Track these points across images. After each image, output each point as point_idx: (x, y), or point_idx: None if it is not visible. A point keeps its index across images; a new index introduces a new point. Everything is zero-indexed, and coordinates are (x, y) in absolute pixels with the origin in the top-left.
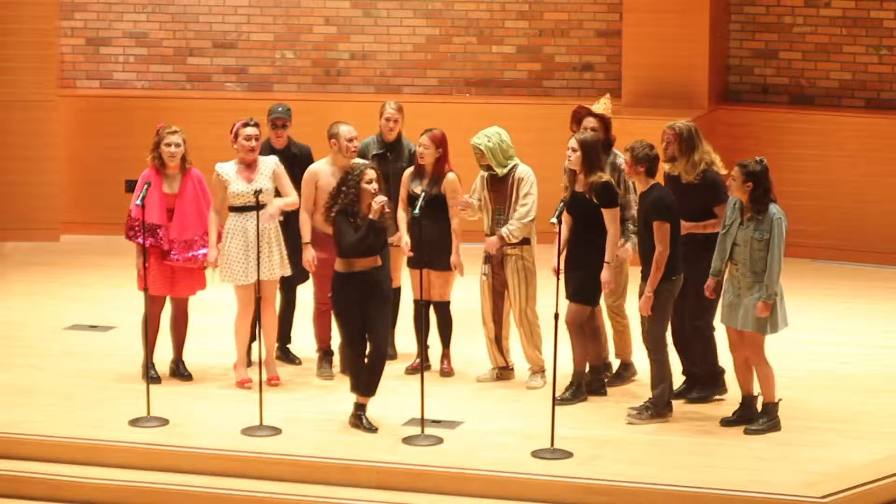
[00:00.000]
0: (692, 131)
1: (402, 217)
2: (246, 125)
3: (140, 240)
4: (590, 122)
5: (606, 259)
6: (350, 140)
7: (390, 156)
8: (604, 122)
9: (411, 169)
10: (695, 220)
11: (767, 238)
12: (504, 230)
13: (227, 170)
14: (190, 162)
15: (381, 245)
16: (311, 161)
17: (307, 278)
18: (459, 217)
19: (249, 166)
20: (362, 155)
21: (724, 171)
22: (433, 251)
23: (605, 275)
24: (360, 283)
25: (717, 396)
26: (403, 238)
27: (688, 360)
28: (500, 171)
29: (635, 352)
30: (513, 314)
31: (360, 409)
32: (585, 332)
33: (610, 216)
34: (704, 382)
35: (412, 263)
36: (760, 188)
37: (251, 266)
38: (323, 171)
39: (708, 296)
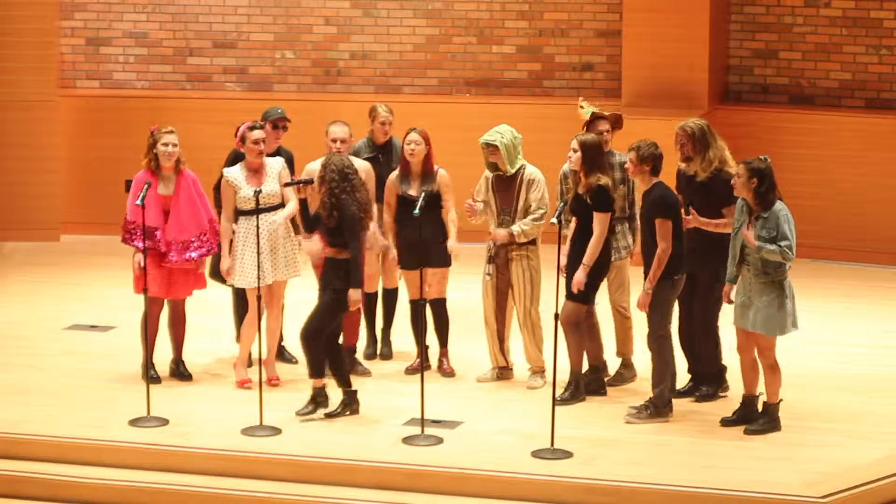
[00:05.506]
0: (704, 129)
1: (387, 221)
2: (252, 128)
3: (137, 243)
4: (603, 125)
5: (584, 261)
6: (334, 141)
7: (382, 158)
8: (610, 121)
9: (396, 173)
10: (707, 218)
11: (774, 236)
12: (516, 228)
13: (236, 175)
14: (183, 163)
15: (307, 225)
16: (294, 166)
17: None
18: (455, 209)
19: (257, 171)
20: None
21: (733, 171)
22: (429, 249)
23: (578, 275)
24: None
25: (721, 394)
26: (391, 251)
27: (694, 359)
28: (510, 171)
29: (637, 352)
30: (517, 314)
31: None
32: (581, 331)
33: (599, 219)
34: (710, 380)
35: (408, 264)
36: (765, 185)
37: (265, 268)
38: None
39: (725, 301)
